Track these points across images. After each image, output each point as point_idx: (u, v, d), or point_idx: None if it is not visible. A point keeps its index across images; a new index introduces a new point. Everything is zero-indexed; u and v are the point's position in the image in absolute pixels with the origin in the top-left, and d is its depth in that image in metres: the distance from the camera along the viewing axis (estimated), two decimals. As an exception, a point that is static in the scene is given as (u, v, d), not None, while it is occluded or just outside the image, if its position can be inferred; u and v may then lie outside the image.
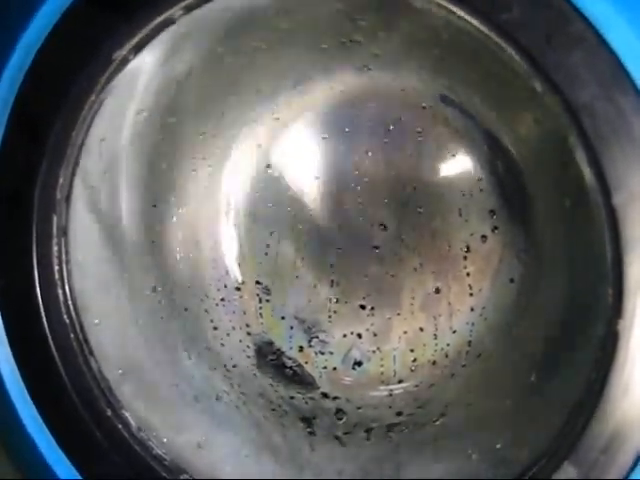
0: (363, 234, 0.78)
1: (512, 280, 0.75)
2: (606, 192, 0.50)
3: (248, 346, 0.79)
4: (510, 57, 0.52)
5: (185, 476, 0.64)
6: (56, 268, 0.61)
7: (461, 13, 0.53)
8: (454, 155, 0.76)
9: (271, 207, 0.80)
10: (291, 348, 0.79)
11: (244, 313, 0.80)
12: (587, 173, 0.51)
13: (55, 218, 0.61)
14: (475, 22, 0.52)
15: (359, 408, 0.76)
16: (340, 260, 0.79)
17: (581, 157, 0.51)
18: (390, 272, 0.78)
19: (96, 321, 0.64)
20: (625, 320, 0.51)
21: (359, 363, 0.79)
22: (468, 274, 0.76)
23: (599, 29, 0.49)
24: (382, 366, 0.78)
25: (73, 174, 0.61)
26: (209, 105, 0.74)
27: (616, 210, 0.49)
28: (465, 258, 0.76)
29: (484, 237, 0.76)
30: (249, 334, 0.79)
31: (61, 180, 0.60)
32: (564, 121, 0.51)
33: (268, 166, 0.80)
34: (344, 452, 0.71)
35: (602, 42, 0.49)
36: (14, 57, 0.59)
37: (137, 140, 0.67)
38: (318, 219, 0.79)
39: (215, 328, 0.77)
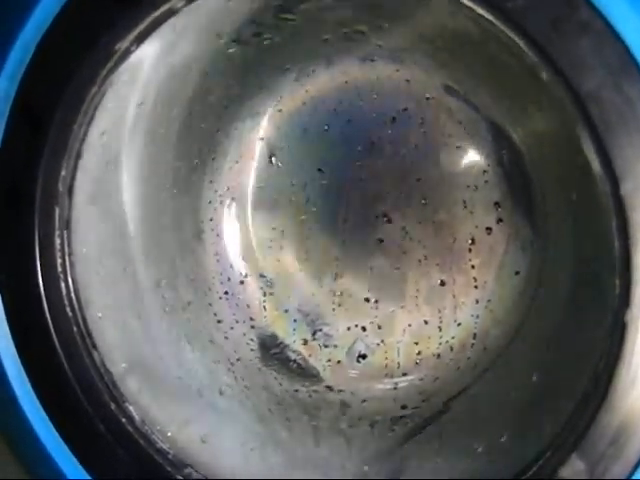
0: (367, 226, 0.77)
1: (517, 272, 0.75)
2: (614, 181, 0.49)
3: (252, 339, 0.78)
4: (516, 45, 0.51)
5: (189, 470, 0.64)
6: (59, 261, 0.61)
7: (466, 1, 0.52)
8: (459, 146, 0.76)
9: (274, 200, 0.79)
10: (295, 341, 0.79)
11: (248, 306, 0.80)
12: (594, 162, 0.50)
13: (57, 211, 0.60)
14: (480, 10, 0.52)
15: (363, 401, 0.76)
16: (344, 253, 0.78)
17: (588, 146, 0.50)
18: (394, 265, 0.77)
19: (99, 314, 0.64)
20: (633, 310, 0.50)
21: (363, 356, 0.79)
22: (473, 266, 0.76)
23: (607, 16, 0.48)
24: (386, 359, 0.78)
25: (75, 167, 0.61)
26: (211, 97, 0.73)
27: (624, 199, 0.49)
28: (470, 250, 0.76)
29: (489, 229, 0.76)
30: (253, 327, 0.79)
31: (63, 173, 0.60)
32: (571, 110, 0.50)
33: (271, 158, 0.79)
34: (348, 446, 0.71)
35: (610, 29, 0.48)
36: (15, 50, 0.59)
37: (139, 133, 0.67)
38: (321, 212, 0.78)
39: (219, 322, 0.77)
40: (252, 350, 0.78)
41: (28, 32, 0.58)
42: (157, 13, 0.57)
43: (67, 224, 0.61)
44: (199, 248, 0.78)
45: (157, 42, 0.61)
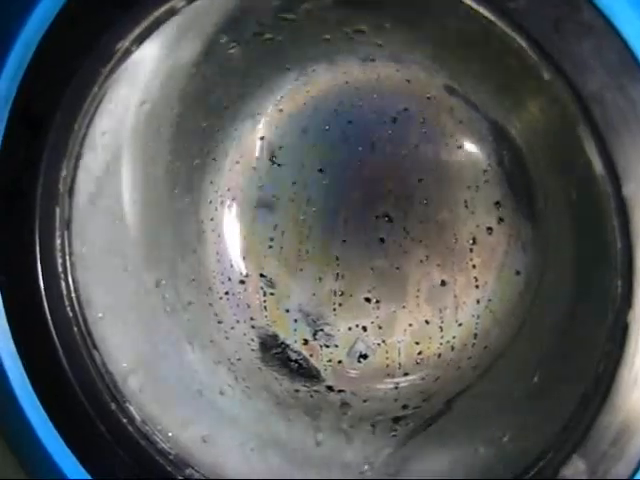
0: (368, 226, 0.77)
1: (518, 272, 0.75)
2: (615, 182, 0.49)
3: (252, 339, 0.78)
4: (518, 45, 0.51)
5: (190, 470, 0.64)
6: (59, 261, 0.61)
7: (467, 1, 0.52)
8: (459, 146, 0.76)
9: (275, 200, 0.79)
10: (296, 341, 0.79)
11: (248, 306, 0.80)
12: (596, 163, 0.50)
13: (58, 211, 0.60)
14: (482, 10, 0.52)
15: (364, 401, 0.76)
16: (345, 253, 0.78)
17: (590, 147, 0.50)
18: (395, 264, 0.77)
19: (100, 315, 0.64)
20: (635, 310, 0.50)
21: (364, 356, 0.79)
22: (474, 266, 0.76)
23: (609, 16, 0.48)
24: (387, 359, 0.78)
25: (76, 167, 0.61)
26: (212, 97, 0.73)
27: (626, 200, 0.49)
28: (471, 250, 0.76)
29: (490, 229, 0.76)
30: (253, 327, 0.79)
31: (64, 173, 0.60)
32: (573, 110, 0.50)
33: (272, 158, 0.79)
34: (349, 445, 0.71)
35: (612, 30, 0.48)
36: (15, 50, 0.59)
37: (140, 132, 0.67)
38: (322, 211, 0.78)
39: (219, 322, 0.77)
40: (253, 350, 0.78)
41: (28, 33, 0.58)
42: (157, 13, 0.57)
43: (68, 224, 0.61)
44: (200, 248, 0.78)
45: (158, 42, 0.61)
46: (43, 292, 0.61)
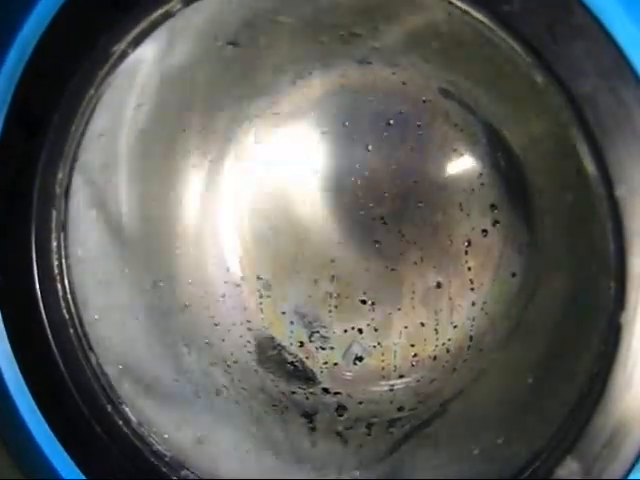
0: (363, 229, 0.78)
1: (514, 274, 0.75)
2: (608, 184, 0.49)
3: (249, 341, 0.78)
4: (511, 49, 0.52)
5: (185, 472, 0.64)
6: (55, 263, 0.61)
7: (462, 5, 0.53)
8: (455, 149, 0.76)
9: (271, 202, 0.80)
10: (292, 343, 0.79)
11: (244, 308, 0.80)
12: (589, 165, 0.51)
13: (54, 213, 0.61)
14: (476, 14, 0.52)
15: (360, 403, 0.76)
16: (340, 255, 0.78)
17: (583, 149, 0.51)
18: (391, 267, 0.78)
19: (96, 316, 0.64)
20: (628, 312, 0.50)
21: (360, 358, 0.79)
22: (469, 268, 0.76)
23: (601, 20, 0.49)
24: (383, 361, 0.78)
25: (72, 169, 0.61)
26: (208, 99, 0.73)
27: (619, 202, 0.49)
28: (466, 252, 0.76)
29: (485, 231, 0.76)
30: (250, 329, 0.79)
31: (60, 175, 0.60)
32: (566, 113, 0.51)
33: (268, 161, 0.79)
34: (345, 447, 0.71)
35: (604, 33, 0.49)
36: (12, 51, 0.59)
37: (136, 135, 0.67)
38: (318, 214, 0.78)
39: (216, 324, 0.77)
40: (249, 352, 0.78)
41: (26, 34, 0.58)
42: (154, 16, 0.58)
43: (64, 227, 0.61)
44: (196, 250, 0.78)
45: (154, 44, 0.61)
46: (39, 293, 0.61)
